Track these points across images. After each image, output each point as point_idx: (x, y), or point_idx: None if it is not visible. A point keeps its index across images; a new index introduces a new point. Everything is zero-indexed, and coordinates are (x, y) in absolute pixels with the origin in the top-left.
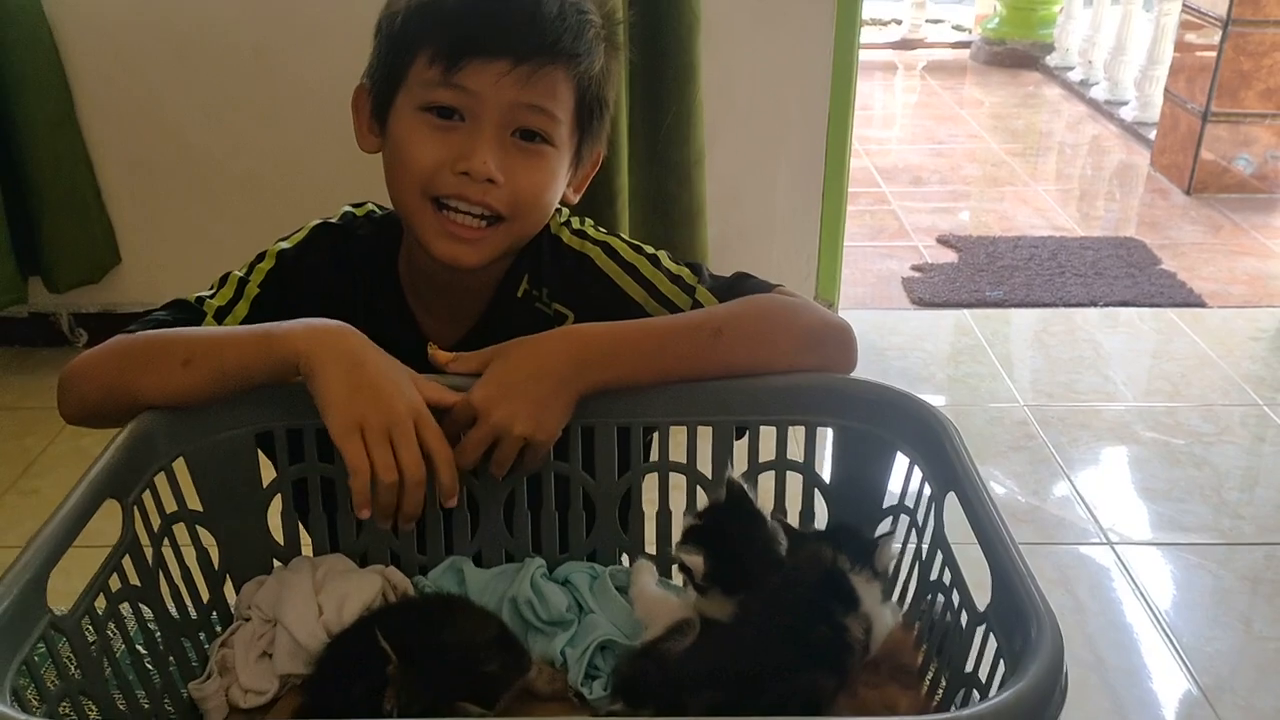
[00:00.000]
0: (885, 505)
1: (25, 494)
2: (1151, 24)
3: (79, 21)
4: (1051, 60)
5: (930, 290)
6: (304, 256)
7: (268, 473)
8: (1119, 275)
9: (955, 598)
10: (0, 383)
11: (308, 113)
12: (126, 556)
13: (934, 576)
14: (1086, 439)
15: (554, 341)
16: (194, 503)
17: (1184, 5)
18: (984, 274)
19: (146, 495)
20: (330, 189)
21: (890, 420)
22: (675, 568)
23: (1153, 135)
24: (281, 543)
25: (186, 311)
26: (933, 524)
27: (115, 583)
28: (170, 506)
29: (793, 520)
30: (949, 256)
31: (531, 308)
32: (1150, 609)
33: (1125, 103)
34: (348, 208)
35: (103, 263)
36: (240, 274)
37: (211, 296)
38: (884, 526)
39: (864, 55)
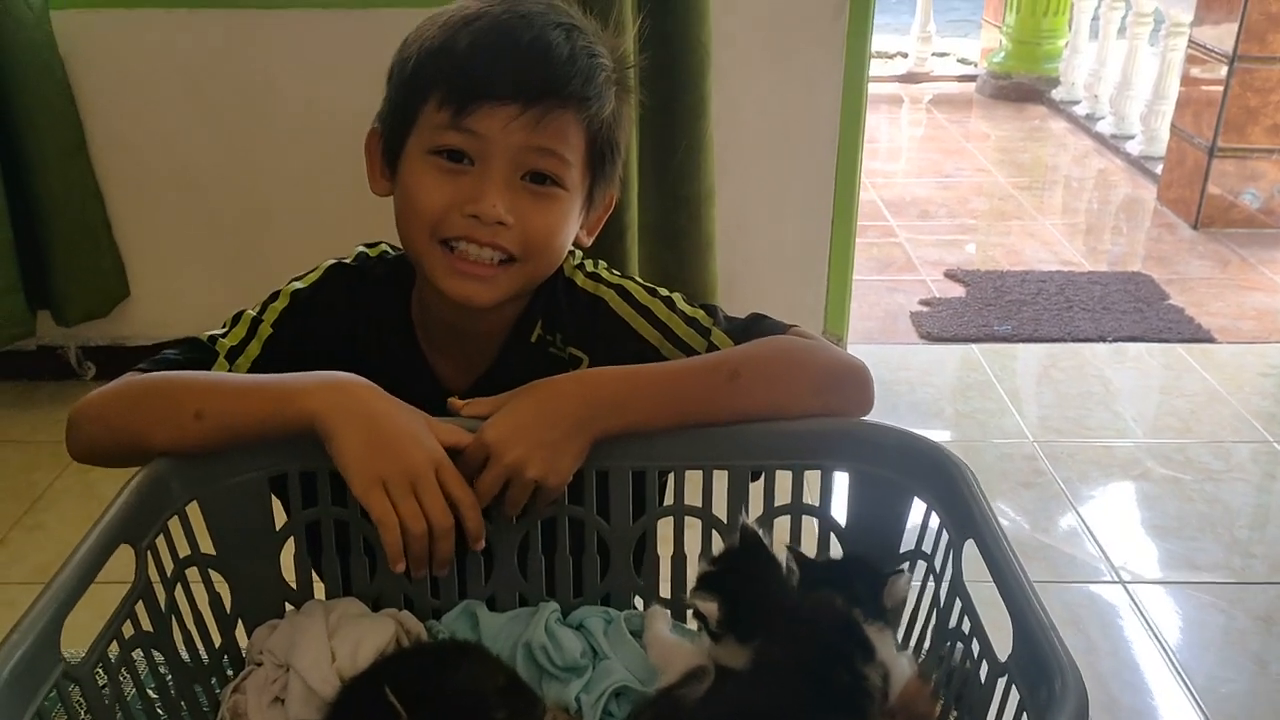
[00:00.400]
0: (902, 550)
1: (31, 529)
2: (1157, 59)
3: (90, 53)
4: (1057, 94)
5: (938, 325)
6: (318, 297)
7: (280, 515)
8: (1127, 310)
9: (975, 647)
10: (7, 417)
11: (320, 147)
12: (140, 602)
13: (953, 624)
14: (1096, 475)
15: (568, 385)
16: (206, 546)
17: (1190, 41)
18: (992, 308)
19: (159, 539)
20: (343, 224)
21: (907, 465)
22: (690, 614)
23: (1159, 170)
24: (294, 586)
25: (198, 350)
26: (950, 570)
27: (128, 628)
28: (183, 550)
29: None
30: (957, 291)
31: (546, 353)
32: (1163, 649)
33: (1131, 137)
34: (362, 248)
35: (112, 295)
36: (254, 313)
37: (224, 335)
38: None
39: (870, 88)
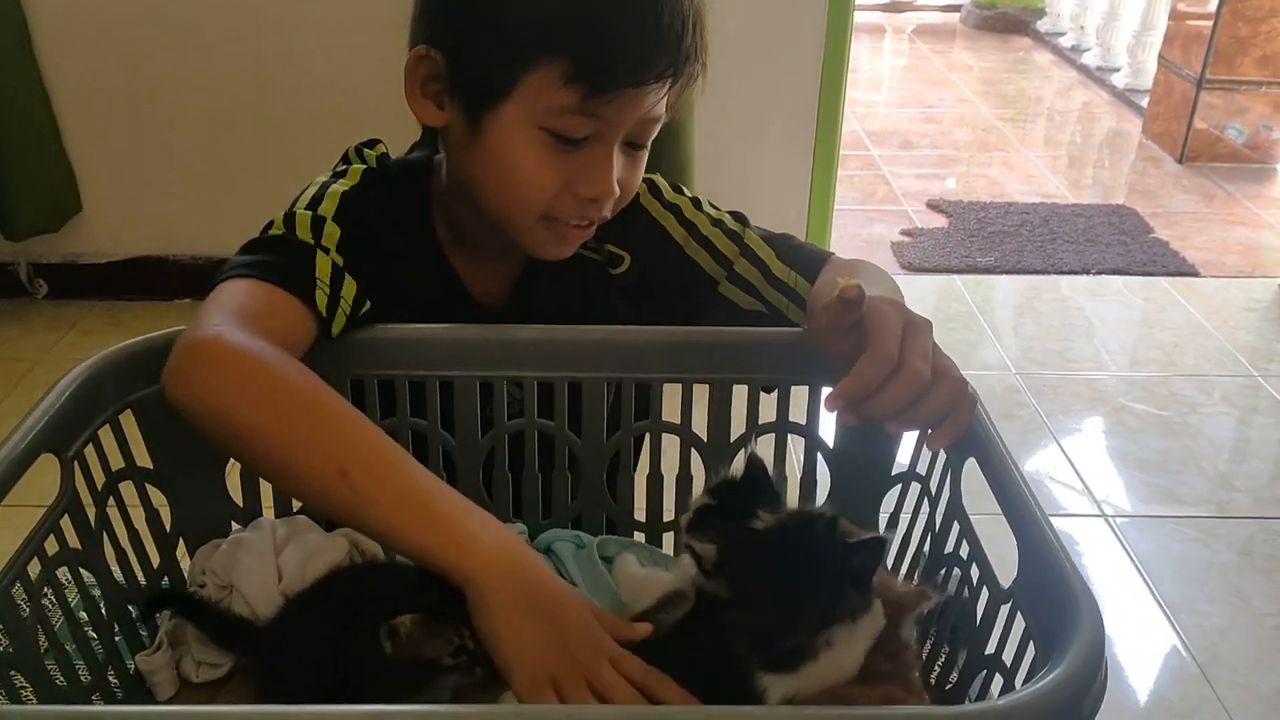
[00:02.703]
0: (894, 473)
1: None
2: None
3: None
4: (1042, 25)
5: (920, 255)
6: (361, 202)
7: None
8: (1111, 243)
9: (974, 572)
10: None
11: (283, 57)
12: (66, 516)
13: (949, 549)
14: (1078, 408)
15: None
16: (143, 459)
17: None
18: (974, 240)
19: (90, 450)
20: (303, 138)
21: None
22: (680, 547)
23: (1145, 103)
24: (240, 504)
25: (290, 248)
26: (948, 492)
27: (52, 545)
28: (117, 463)
29: (793, 488)
30: (939, 221)
31: (578, 254)
32: (1146, 582)
33: (1117, 69)
34: (364, 148)
35: (63, 210)
36: (307, 213)
37: (295, 234)
38: (893, 494)
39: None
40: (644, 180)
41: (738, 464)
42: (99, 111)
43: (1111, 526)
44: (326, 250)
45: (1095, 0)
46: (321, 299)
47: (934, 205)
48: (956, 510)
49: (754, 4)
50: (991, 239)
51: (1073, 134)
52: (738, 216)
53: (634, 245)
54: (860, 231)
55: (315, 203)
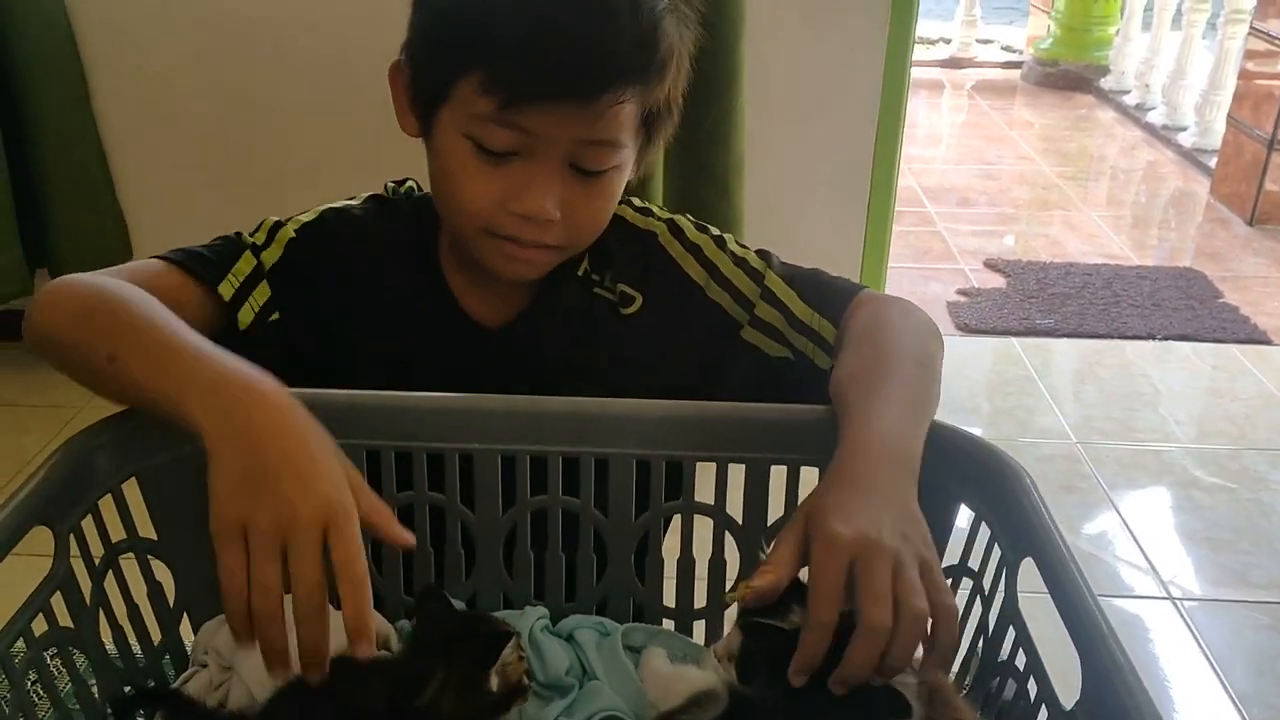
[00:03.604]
0: (943, 566)
1: None
2: (1213, 48)
3: (95, 3)
4: (1106, 83)
5: (977, 316)
6: (347, 218)
7: None
8: (1178, 307)
9: (1032, 687)
10: (1, 377)
11: (327, 106)
12: (58, 594)
13: (1003, 657)
14: (1143, 480)
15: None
16: (146, 529)
17: (1252, 28)
18: (1034, 301)
19: (88, 521)
20: (350, 180)
21: (953, 466)
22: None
23: (1213, 163)
24: None
25: (228, 244)
26: (1003, 593)
27: (41, 625)
28: (117, 534)
29: None
30: (997, 281)
31: (590, 291)
32: (1216, 672)
33: (1184, 128)
34: (390, 183)
35: (113, 255)
36: (278, 219)
37: (251, 234)
38: None
39: (910, 72)
40: (666, 220)
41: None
42: (151, 161)
43: (1179, 610)
44: (258, 252)
45: (1161, 59)
46: (227, 289)
47: (992, 265)
48: (1012, 615)
49: (809, 57)
50: (1052, 300)
51: (1137, 193)
52: (762, 255)
53: (649, 286)
54: (915, 290)
55: (303, 213)
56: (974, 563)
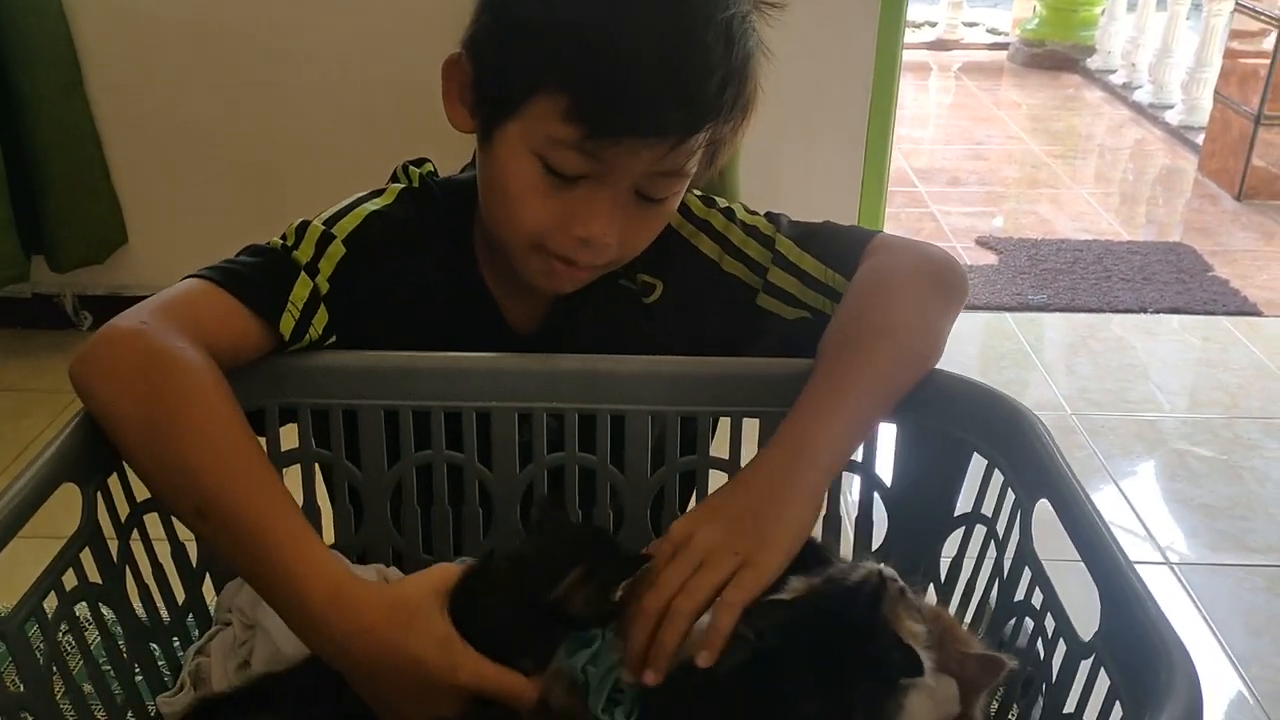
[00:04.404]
0: (957, 514)
1: None
2: (1199, 27)
3: None
4: (1092, 63)
5: (970, 292)
6: (392, 223)
7: None
8: (1168, 281)
9: (1049, 623)
10: (1, 363)
11: (327, 97)
12: (86, 549)
13: (1019, 597)
14: (1139, 450)
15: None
16: None
17: (1237, 4)
18: (1026, 277)
19: (113, 480)
20: (349, 176)
21: (966, 415)
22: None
23: (1200, 140)
24: None
25: (274, 262)
26: (1018, 536)
27: (71, 579)
28: (142, 493)
29: (848, 530)
30: (989, 259)
31: (615, 283)
32: (1215, 634)
33: (1171, 106)
34: (411, 166)
35: (109, 242)
36: (321, 226)
37: (295, 248)
38: (956, 538)
39: None
40: None
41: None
42: (146, 149)
43: (1177, 575)
44: (314, 274)
45: (1147, 37)
46: (288, 322)
47: (983, 242)
48: (1028, 556)
49: (801, 41)
50: (1043, 276)
51: (1125, 171)
52: (772, 218)
53: (666, 272)
54: None
55: (337, 218)
56: (987, 509)
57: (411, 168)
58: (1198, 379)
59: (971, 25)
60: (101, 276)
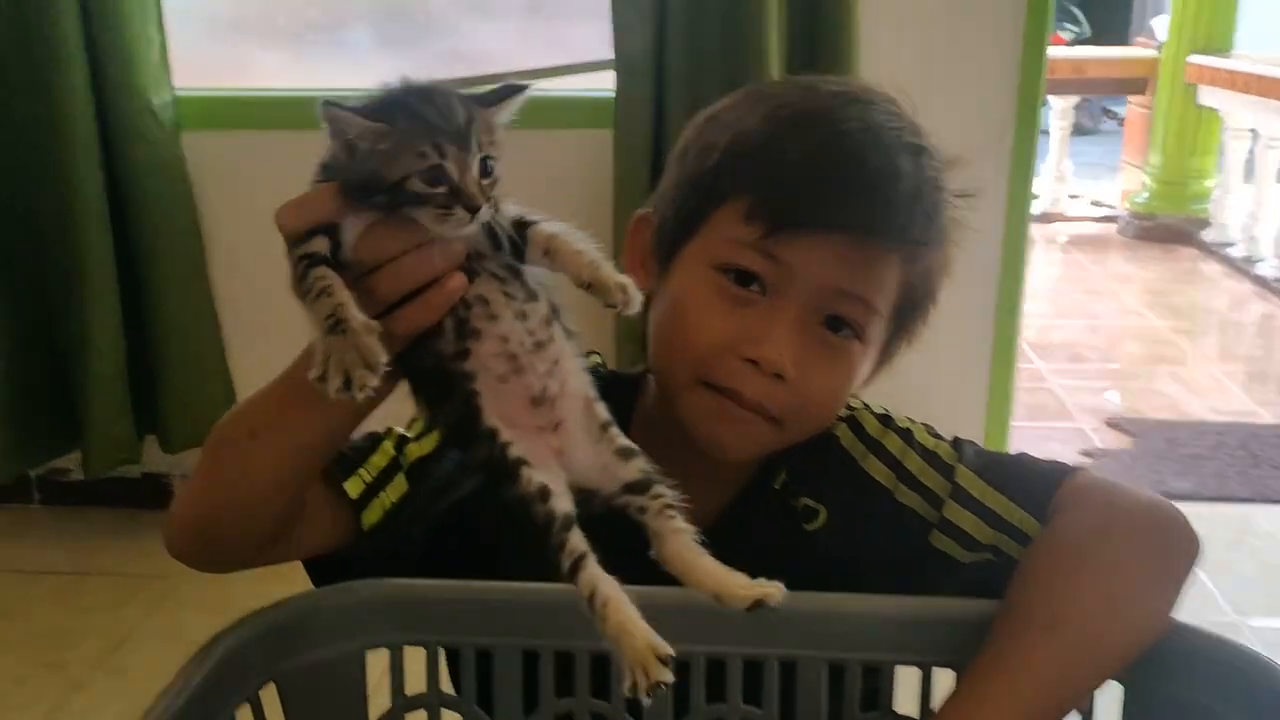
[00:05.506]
0: None
1: (114, 672)
2: None
3: (217, 175)
4: (1208, 236)
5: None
6: None
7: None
8: None
9: None
10: (102, 546)
11: None
12: None
13: None
14: None
15: None
16: None
17: None
18: (1165, 462)
19: None
20: None
21: (1216, 682)
22: None
23: None
24: None
25: (368, 440)
26: None
27: None
28: None
29: None
30: (1122, 442)
31: (786, 504)
32: None
33: None
34: None
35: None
36: None
37: (415, 439)
38: None
39: None
40: (846, 419)
41: None
42: (261, 330)
43: None
44: (405, 440)
45: (1267, 210)
46: (356, 486)
47: (1114, 423)
48: None
49: None
50: (1184, 462)
51: (1254, 348)
52: (956, 445)
53: (831, 496)
54: (1035, 451)
55: None
56: None
57: None
58: None
59: (1074, 197)
60: None
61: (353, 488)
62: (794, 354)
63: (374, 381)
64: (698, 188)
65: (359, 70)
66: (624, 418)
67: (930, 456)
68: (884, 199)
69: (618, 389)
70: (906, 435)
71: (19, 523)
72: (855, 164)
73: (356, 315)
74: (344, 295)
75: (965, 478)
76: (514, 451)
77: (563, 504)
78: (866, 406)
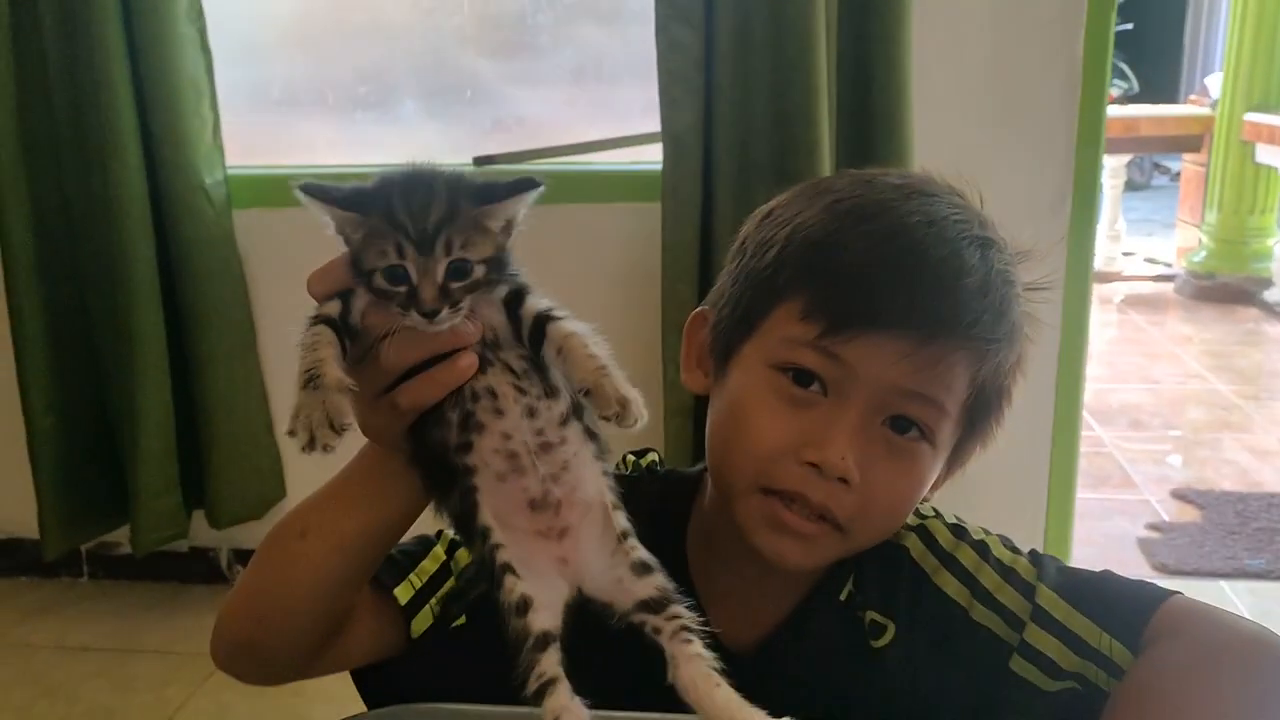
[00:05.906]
0: None
1: None
2: None
3: (267, 252)
4: (1270, 296)
5: (1175, 555)
6: None
7: None
8: None
9: None
10: (149, 622)
11: None
12: None
13: None
14: None
15: None
16: None
17: None
18: (1237, 537)
19: None
20: None
21: None
22: None
23: None
24: None
25: (419, 544)
26: None
27: None
28: None
29: None
30: (1190, 515)
31: (853, 615)
32: None
33: None
34: (630, 455)
35: (267, 497)
36: None
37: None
38: None
39: None
40: (916, 529)
41: None
42: None
43: None
44: (456, 544)
45: None
46: (405, 591)
47: (1180, 495)
48: None
49: None
50: (1258, 537)
51: None
52: (1035, 560)
53: (900, 612)
54: (1098, 526)
55: None
56: None
57: (630, 456)
58: None
59: (1128, 254)
60: (257, 531)
61: (403, 594)
62: (857, 457)
63: (334, 441)
64: (756, 285)
65: (408, 144)
66: (681, 519)
67: (1008, 573)
68: (948, 294)
69: (675, 489)
70: (982, 549)
71: (68, 596)
72: (916, 258)
73: (332, 372)
74: (327, 353)
75: (1046, 598)
76: (502, 556)
77: (542, 620)
78: (938, 515)
